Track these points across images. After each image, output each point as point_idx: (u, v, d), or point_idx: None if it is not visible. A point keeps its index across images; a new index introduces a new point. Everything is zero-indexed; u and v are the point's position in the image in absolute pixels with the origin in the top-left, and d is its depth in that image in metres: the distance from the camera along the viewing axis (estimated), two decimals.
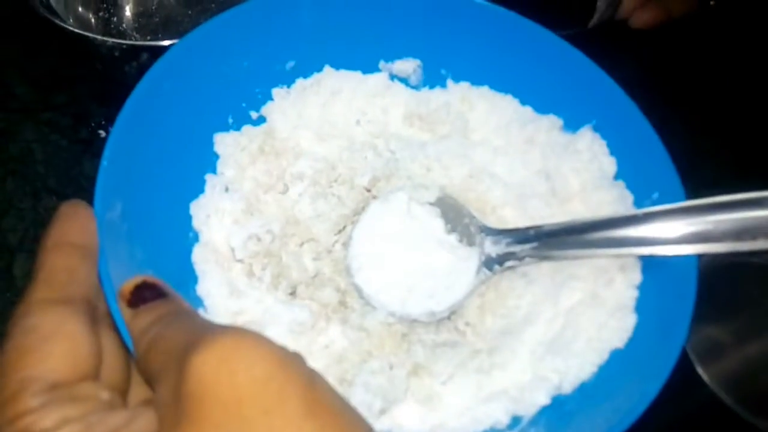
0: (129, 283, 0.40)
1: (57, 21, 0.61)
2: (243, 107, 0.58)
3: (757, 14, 0.80)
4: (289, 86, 0.60)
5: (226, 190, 0.56)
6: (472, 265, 0.52)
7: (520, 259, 0.51)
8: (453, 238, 0.53)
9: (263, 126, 0.59)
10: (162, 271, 0.48)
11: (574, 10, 0.71)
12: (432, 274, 0.52)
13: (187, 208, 0.54)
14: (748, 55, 0.78)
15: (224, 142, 0.56)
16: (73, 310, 0.38)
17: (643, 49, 0.77)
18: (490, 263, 0.52)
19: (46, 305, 0.38)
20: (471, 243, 0.53)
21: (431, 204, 0.55)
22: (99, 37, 0.61)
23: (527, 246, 0.51)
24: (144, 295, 0.39)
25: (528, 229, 0.52)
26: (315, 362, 0.49)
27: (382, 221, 0.54)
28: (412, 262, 0.53)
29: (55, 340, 0.36)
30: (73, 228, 0.42)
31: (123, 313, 0.39)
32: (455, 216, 0.54)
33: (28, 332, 0.36)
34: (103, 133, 0.67)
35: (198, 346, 0.33)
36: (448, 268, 0.52)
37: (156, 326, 0.37)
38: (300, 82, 0.60)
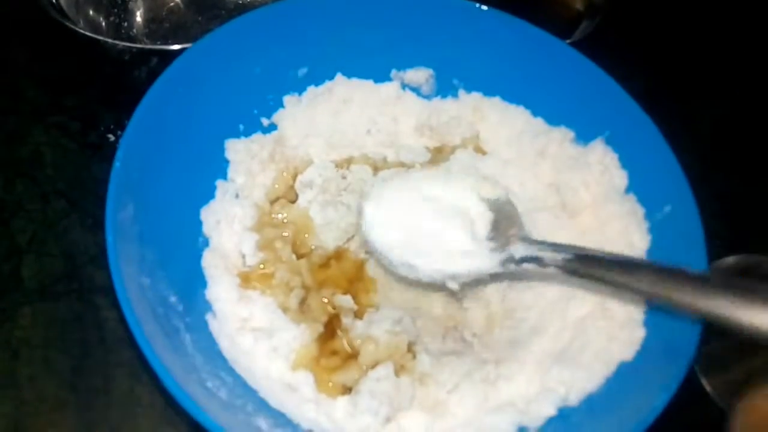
0: None
1: (68, 24, 0.61)
2: (254, 114, 0.59)
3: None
4: (300, 94, 0.60)
5: (237, 196, 0.56)
6: (489, 254, 0.51)
7: (544, 265, 0.49)
8: (484, 233, 0.52)
9: (274, 134, 0.59)
10: (172, 274, 0.48)
11: (557, 25, 0.70)
12: (447, 246, 0.51)
13: (198, 213, 0.54)
14: (760, 63, 0.79)
15: (235, 149, 0.57)
16: None
17: (652, 57, 0.77)
18: (508, 262, 0.50)
19: None
20: (502, 244, 0.51)
21: (488, 200, 0.53)
22: (110, 40, 0.61)
23: (559, 256, 0.48)
24: None
25: (570, 246, 0.49)
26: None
27: (418, 188, 0.54)
28: (430, 230, 0.52)
29: None
30: None
31: None
32: (505, 223, 0.52)
33: None
34: (112, 138, 0.67)
35: None
36: (464, 247, 0.51)
37: None
38: (311, 90, 0.60)
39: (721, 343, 0.57)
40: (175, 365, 0.42)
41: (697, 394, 0.56)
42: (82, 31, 0.61)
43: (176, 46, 0.59)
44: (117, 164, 0.47)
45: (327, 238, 0.56)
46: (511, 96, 0.60)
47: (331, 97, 0.61)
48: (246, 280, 0.53)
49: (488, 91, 0.60)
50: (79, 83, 0.70)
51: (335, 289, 0.54)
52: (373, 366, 0.50)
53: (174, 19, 0.77)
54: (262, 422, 0.45)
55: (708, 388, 0.56)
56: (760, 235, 0.65)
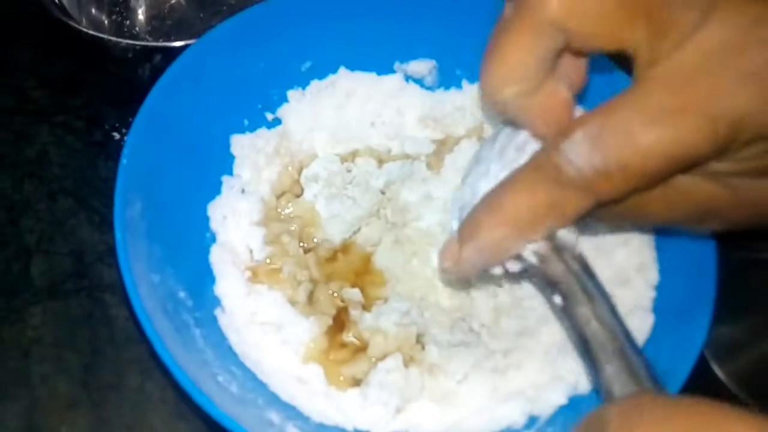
0: None
1: (71, 23, 0.61)
2: (259, 109, 0.59)
3: None
4: (304, 88, 0.60)
5: (243, 191, 0.56)
6: None
7: None
8: None
9: (278, 128, 0.59)
10: (181, 270, 0.49)
11: None
12: None
13: (205, 209, 0.54)
14: None
15: (240, 144, 0.57)
16: None
17: None
18: None
19: None
20: None
21: None
22: (113, 38, 0.61)
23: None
24: None
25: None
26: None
27: None
28: None
29: None
30: None
31: None
32: None
33: None
34: (117, 136, 0.67)
35: None
36: None
37: None
38: (315, 84, 0.60)
39: (732, 327, 0.57)
40: (186, 360, 0.42)
41: (708, 381, 0.56)
42: (85, 30, 0.61)
43: (179, 43, 0.59)
44: (124, 161, 0.47)
45: (333, 231, 0.56)
46: None
47: (335, 91, 0.60)
48: (254, 274, 0.53)
49: None
50: (83, 82, 0.70)
51: (343, 282, 0.54)
52: (382, 358, 0.50)
53: (176, 16, 0.77)
54: (274, 415, 0.45)
55: (719, 373, 0.56)
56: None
